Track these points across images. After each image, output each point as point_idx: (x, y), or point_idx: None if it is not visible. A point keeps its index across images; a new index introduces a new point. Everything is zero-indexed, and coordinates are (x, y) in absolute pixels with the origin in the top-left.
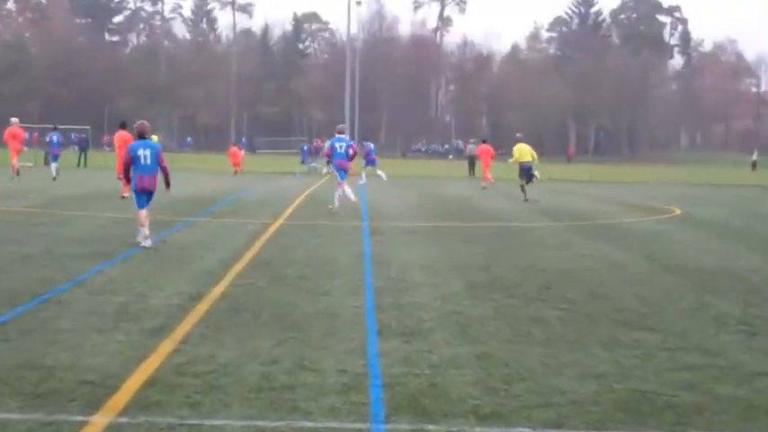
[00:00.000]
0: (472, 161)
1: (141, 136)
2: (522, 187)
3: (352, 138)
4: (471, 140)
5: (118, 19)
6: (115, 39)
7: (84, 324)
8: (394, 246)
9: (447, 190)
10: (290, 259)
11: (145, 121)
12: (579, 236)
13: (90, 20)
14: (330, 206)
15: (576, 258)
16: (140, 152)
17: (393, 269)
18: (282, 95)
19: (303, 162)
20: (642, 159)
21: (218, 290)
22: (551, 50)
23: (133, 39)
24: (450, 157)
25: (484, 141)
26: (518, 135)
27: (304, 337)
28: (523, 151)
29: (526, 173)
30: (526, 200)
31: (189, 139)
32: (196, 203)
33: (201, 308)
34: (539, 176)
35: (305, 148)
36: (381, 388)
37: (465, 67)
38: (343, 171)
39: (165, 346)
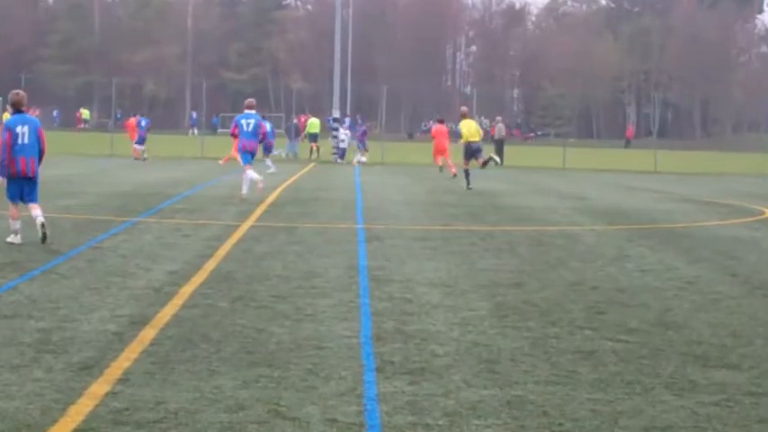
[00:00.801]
0: (500, 145)
1: (17, 109)
2: (467, 173)
3: (344, 116)
4: (498, 119)
5: None
6: None
7: None
8: (398, 255)
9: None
10: (261, 273)
11: (20, 91)
12: (640, 244)
13: None
14: (242, 193)
15: (635, 274)
16: (18, 129)
17: (396, 287)
18: (253, 59)
19: (290, 145)
20: (722, 144)
21: (167, 312)
22: (603, 1)
23: None
24: None
25: (440, 121)
26: (463, 109)
27: (280, 375)
28: (472, 129)
29: (474, 154)
30: (470, 188)
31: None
32: (141, 199)
33: (146, 336)
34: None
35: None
36: None
37: (491, 24)
38: (249, 154)
39: (99, 387)
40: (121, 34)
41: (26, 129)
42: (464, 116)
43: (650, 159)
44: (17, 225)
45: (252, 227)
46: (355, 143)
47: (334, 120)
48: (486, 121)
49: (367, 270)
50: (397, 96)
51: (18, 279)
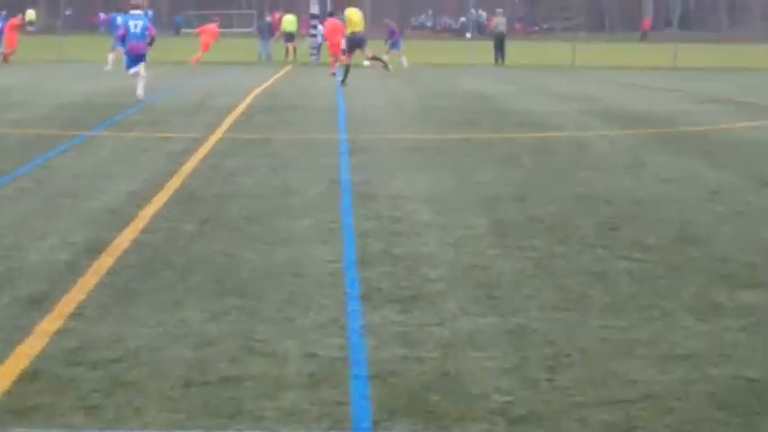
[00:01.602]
0: (500, 41)
1: None
2: (348, 69)
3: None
4: (498, 11)
5: None
6: None
7: None
8: (385, 169)
9: (464, 84)
10: (232, 191)
11: None
12: (658, 150)
13: None
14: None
15: (653, 184)
16: None
17: (384, 204)
18: None
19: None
20: (751, 35)
21: (126, 238)
22: None
23: None
24: (469, 35)
25: (331, 15)
26: None
27: (253, 306)
28: (356, 19)
29: (358, 44)
30: (344, 84)
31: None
32: (94, 110)
33: (102, 265)
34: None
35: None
36: (367, 380)
37: None
38: (137, 56)
39: (49, 324)
40: None
41: None
42: (350, 4)
43: (669, 54)
44: None
45: (220, 139)
46: (388, 44)
47: (312, 16)
48: (483, 14)
49: (350, 185)
50: None
51: None
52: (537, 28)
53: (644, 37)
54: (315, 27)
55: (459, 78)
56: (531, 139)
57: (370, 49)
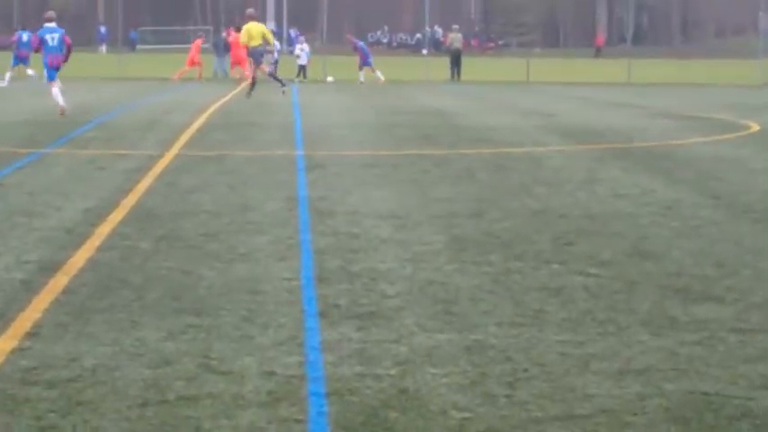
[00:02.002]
0: (456, 57)
1: None
2: (254, 83)
3: (279, 27)
4: (454, 27)
5: None
6: None
7: None
8: (343, 185)
9: (421, 100)
10: (189, 208)
11: None
12: (612, 166)
13: None
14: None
15: (608, 199)
16: None
17: (342, 220)
18: None
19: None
20: (703, 52)
21: (81, 256)
22: None
23: None
24: (425, 51)
25: (238, 30)
26: (249, 11)
27: (211, 324)
28: (254, 33)
29: (257, 59)
30: (250, 95)
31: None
32: (48, 127)
33: (57, 284)
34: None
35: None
36: (326, 397)
37: None
38: (54, 70)
39: (4, 343)
40: None
41: None
42: (251, 18)
43: (624, 70)
44: None
45: (176, 156)
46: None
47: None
48: (439, 30)
49: (308, 202)
50: (339, 5)
51: None
52: (492, 44)
53: (598, 53)
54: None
55: (415, 94)
56: (488, 155)
57: (266, 66)
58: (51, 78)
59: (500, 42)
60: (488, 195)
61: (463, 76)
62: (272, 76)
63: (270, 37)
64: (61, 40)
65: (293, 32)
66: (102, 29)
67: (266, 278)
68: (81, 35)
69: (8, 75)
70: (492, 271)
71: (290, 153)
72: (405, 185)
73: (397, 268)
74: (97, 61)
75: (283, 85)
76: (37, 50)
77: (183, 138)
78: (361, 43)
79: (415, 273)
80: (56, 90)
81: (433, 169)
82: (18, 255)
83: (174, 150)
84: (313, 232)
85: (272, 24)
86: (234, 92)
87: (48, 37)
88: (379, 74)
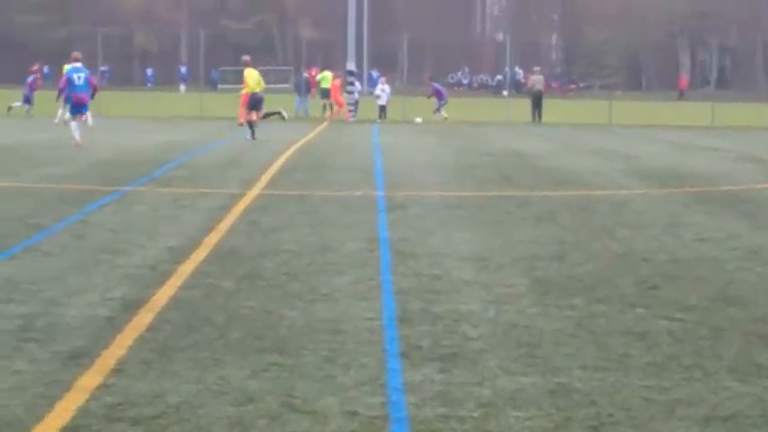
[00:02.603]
0: (538, 99)
1: None
2: (252, 124)
3: (359, 68)
4: (536, 69)
5: None
6: None
7: None
8: (424, 226)
9: (501, 142)
10: (270, 248)
11: None
12: (697, 210)
13: None
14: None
15: (693, 243)
16: None
17: (423, 261)
18: (257, 5)
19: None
20: None
21: (165, 294)
22: None
23: None
24: (506, 93)
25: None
26: (245, 58)
27: (293, 363)
28: (255, 79)
29: (257, 105)
30: (254, 138)
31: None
32: (132, 165)
33: (141, 321)
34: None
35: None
36: None
37: None
38: (83, 107)
39: (89, 380)
40: None
41: None
42: (247, 65)
43: (707, 113)
44: None
45: (258, 195)
46: (439, 104)
47: (350, 73)
48: (520, 72)
49: (389, 242)
50: (419, 45)
51: None
52: (574, 86)
53: (681, 96)
54: (352, 84)
55: (496, 136)
56: (570, 197)
57: (263, 109)
58: (74, 113)
59: (581, 84)
60: (571, 238)
61: (544, 118)
62: (268, 113)
63: (262, 83)
64: (87, 80)
65: (374, 73)
66: (183, 68)
67: (348, 318)
68: (163, 74)
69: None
70: (575, 314)
71: (370, 193)
72: (487, 227)
73: (480, 310)
74: (178, 100)
75: (253, 136)
76: (61, 90)
77: (265, 177)
78: (437, 85)
79: (497, 315)
80: (75, 125)
81: (515, 211)
82: (102, 292)
83: (256, 190)
84: (394, 273)
85: (352, 65)
86: (314, 131)
87: (75, 76)
88: (443, 112)
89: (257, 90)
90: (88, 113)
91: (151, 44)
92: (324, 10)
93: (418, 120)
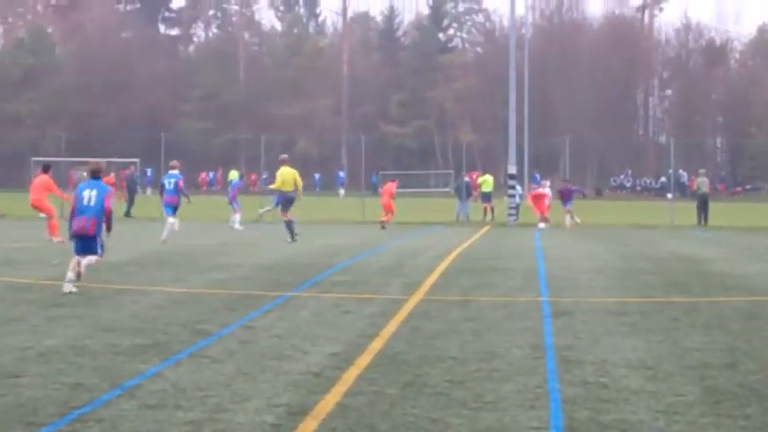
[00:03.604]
0: (704, 202)
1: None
2: (290, 224)
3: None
4: (701, 171)
5: (178, 4)
6: (174, 32)
7: None
8: (589, 332)
9: (666, 245)
10: (434, 354)
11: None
12: None
13: (138, 5)
14: (162, 239)
15: None
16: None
17: (590, 369)
18: (416, 110)
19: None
20: None
21: (329, 401)
22: None
23: (200, 32)
24: (670, 196)
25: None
26: (283, 157)
27: None
28: (287, 178)
29: (286, 205)
30: (294, 240)
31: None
32: (295, 270)
33: (307, 428)
34: (293, 238)
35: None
36: None
37: (688, 63)
38: (171, 207)
39: None
40: (269, 86)
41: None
42: (283, 163)
43: None
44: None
45: (421, 301)
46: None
47: (511, 176)
48: (684, 174)
49: (554, 350)
50: (581, 148)
51: (162, 364)
52: (740, 188)
53: None
54: (513, 187)
55: (661, 239)
56: (740, 303)
57: (289, 213)
58: (168, 213)
59: (748, 187)
60: (742, 345)
61: (711, 221)
62: (289, 225)
63: (299, 182)
64: (176, 185)
65: (537, 175)
66: (342, 173)
67: (514, 427)
68: (325, 178)
69: (238, 217)
70: (749, 425)
71: (534, 299)
72: (654, 334)
73: (650, 420)
74: (339, 205)
75: (293, 239)
76: (161, 193)
77: (428, 282)
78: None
79: (667, 425)
80: (171, 221)
81: (682, 317)
82: (268, 398)
83: (419, 295)
84: (561, 381)
85: (512, 168)
86: (476, 235)
87: (166, 181)
88: (576, 218)
89: (286, 189)
90: (171, 217)
91: (311, 149)
92: (483, 114)
93: (541, 225)
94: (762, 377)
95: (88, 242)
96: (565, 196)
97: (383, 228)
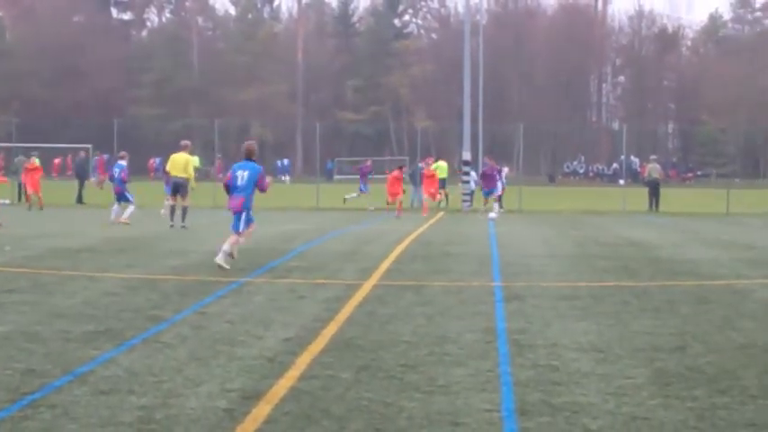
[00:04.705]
0: (655, 188)
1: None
2: (173, 209)
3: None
4: (652, 157)
5: None
6: (126, 17)
7: None
8: (541, 317)
9: (618, 231)
10: (388, 339)
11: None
12: None
13: None
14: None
15: None
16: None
17: (542, 352)
18: (372, 96)
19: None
20: None
21: (283, 385)
22: None
23: (152, 17)
24: (622, 182)
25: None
26: (183, 143)
27: None
28: (176, 163)
29: (181, 189)
30: (171, 225)
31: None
32: (249, 256)
33: (260, 413)
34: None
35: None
36: None
37: (641, 51)
38: (118, 195)
39: None
40: (223, 71)
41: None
42: (182, 149)
43: None
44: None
45: (375, 286)
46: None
47: (465, 163)
48: (636, 161)
49: (507, 334)
50: (535, 135)
51: (115, 350)
52: (691, 175)
53: None
54: (467, 174)
55: (613, 225)
56: (689, 287)
57: (189, 198)
58: (122, 201)
59: (699, 173)
60: (691, 329)
61: (661, 207)
62: (171, 210)
63: (190, 169)
64: (119, 174)
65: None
66: (286, 161)
67: (467, 410)
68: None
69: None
70: (696, 406)
71: (487, 284)
72: (605, 318)
73: (600, 402)
74: (286, 192)
75: (171, 224)
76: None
77: (382, 267)
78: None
79: (617, 407)
80: (131, 209)
81: (633, 301)
82: (221, 383)
83: (373, 280)
84: (512, 364)
85: (467, 154)
86: (430, 221)
87: (115, 171)
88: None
89: (175, 174)
90: (132, 205)
91: (266, 135)
92: (438, 100)
93: (492, 215)
94: (710, 360)
95: (245, 215)
96: (488, 181)
97: (397, 218)
